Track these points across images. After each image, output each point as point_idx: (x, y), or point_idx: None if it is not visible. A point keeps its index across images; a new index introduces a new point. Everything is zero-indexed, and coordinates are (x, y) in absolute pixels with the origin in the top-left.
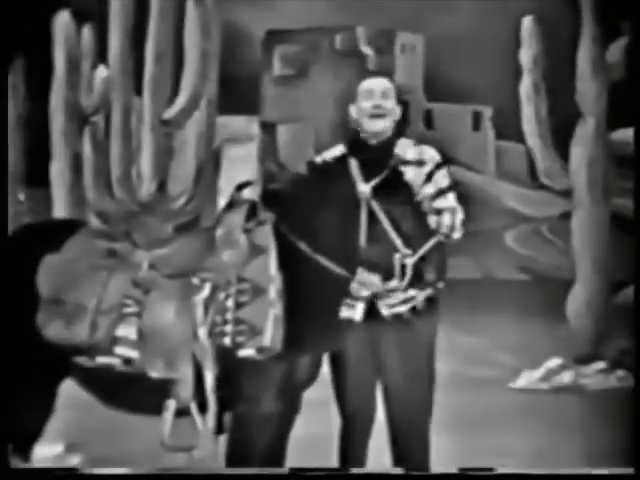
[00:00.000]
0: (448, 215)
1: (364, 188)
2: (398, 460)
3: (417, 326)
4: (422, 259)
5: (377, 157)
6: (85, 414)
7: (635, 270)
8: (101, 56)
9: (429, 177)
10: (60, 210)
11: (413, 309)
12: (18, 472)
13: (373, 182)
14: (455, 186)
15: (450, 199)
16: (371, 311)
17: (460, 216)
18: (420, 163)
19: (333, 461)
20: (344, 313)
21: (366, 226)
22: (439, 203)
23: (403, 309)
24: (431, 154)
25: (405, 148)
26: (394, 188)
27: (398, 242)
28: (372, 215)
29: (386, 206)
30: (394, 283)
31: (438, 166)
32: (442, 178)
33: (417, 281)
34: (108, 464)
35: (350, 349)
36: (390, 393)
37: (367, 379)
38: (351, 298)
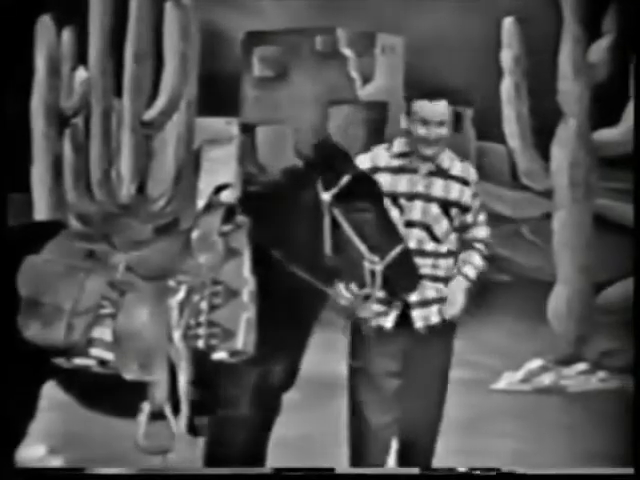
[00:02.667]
0: (476, 255)
1: (325, 196)
2: (403, 461)
3: (442, 336)
4: (391, 267)
5: (341, 164)
6: (68, 416)
7: (635, 270)
8: (81, 58)
9: (471, 205)
10: (41, 212)
11: (443, 321)
12: (20, 472)
13: (333, 190)
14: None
15: (484, 230)
16: (402, 320)
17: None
18: (465, 182)
19: (316, 462)
20: (374, 321)
21: (330, 234)
22: (472, 232)
23: (436, 321)
24: (473, 174)
25: (452, 162)
26: (357, 194)
27: (363, 249)
28: (337, 223)
29: (348, 213)
30: (366, 291)
31: (475, 191)
32: (478, 204)
33: (388, 288)
34: (91, 465)
35: (379, 359)
36: (407, 399)
37: (392, 388)
38: (384, 306)
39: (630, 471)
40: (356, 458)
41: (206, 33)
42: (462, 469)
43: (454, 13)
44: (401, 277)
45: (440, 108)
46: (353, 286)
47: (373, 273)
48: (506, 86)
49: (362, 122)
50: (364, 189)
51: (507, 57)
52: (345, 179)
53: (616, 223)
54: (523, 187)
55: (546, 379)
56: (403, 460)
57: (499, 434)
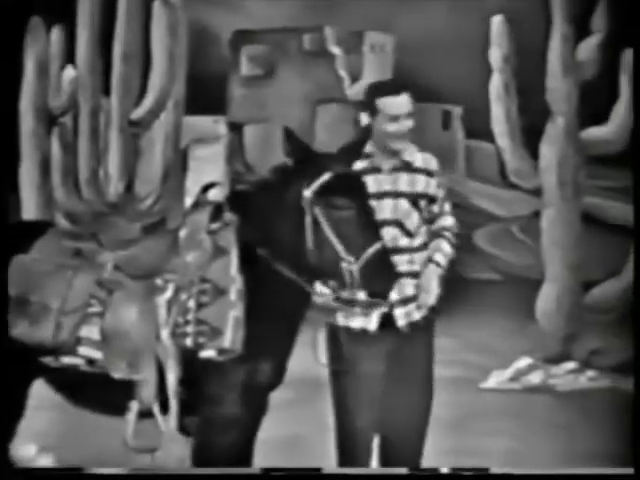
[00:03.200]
0: (444, 243)
1: (306, 193)
2: (391, 461)
3: (422, 332)
4: (366, 266)
5: (324, 163)
6: (58, 414)
7: (635, 270)
8: (69, 57)
9: (436, 195)
10: (29, 212)
11: (425, 318)
12: (20, 472)
13: (313, 186)
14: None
15: (450, 219)
16: (385, 320)
17: (448, 248)
18: (429, 173)
19: (304, 461)
20: (357, 323)
21: (312, 232)
22: (439, 222)
23: (418, 317)
24: (435, 164)
25: (413, 155)
26: (337, 192)
27: (339, 248)
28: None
29: (327, 211)
30: (346, 294)
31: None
32: (443, 193)
33: (367, 289)
34: (82, 464)
35: (362, 360)
36: (391, 399)
37: (375, 389)
38: (364, 307)
39: (630, 471)
40: (344, 459)
41: (194, 32)
42: (445, 469)
43: (444, 11)
44: (377, 277)
45: (404, 101)
46: (332, 284)
47: (351, 273)
48: (495, 84)
49: (350, 121)
50: (345, 186)
51: (496, 55)
52: (326, 176)
53: (605, 221)
54: (512, 185)
55: (535, 378)
56: (392, 461)
57: (488, 433)
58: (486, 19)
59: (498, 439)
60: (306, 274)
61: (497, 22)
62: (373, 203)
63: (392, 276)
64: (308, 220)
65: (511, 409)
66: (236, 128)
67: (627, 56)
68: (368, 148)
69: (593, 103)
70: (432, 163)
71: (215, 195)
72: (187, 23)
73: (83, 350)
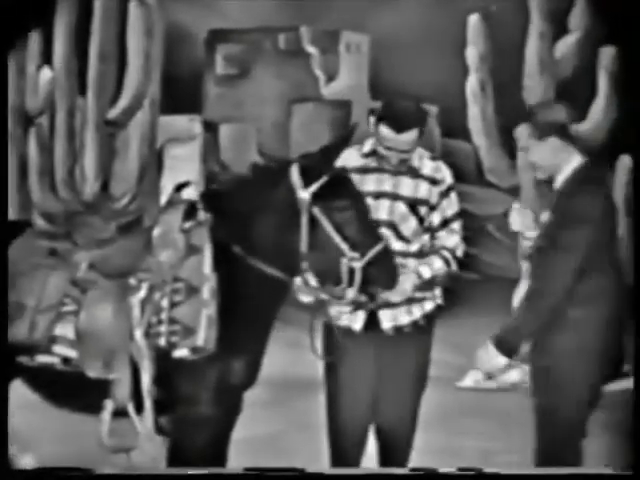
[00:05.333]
0: (437, 259)
1: (303, 194)
2: (384, 461)
3: (415, 339)
4: (370, 264)
5: (319, 163)
6: (35, 414)
7: (634, 270)
8: (46, 57)
9: (437, 203)
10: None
11: (414, 323)
12: (18, 472)
13: (312, 188)
14: (461, 214)
15: (454, 239)
16: (371, 321)
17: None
18: (434, 182)
19: (278, 461)
20: (343, 322)
21: (307, 232)
22: (441, 240)
23: (404, 322)
24: (445, 174)
25: (422, 161)
26: (336, 193)
27: (344, 246)
28: (314, 221)
29: (327, 211)
30: (342, 288)
31: (448, 190)
32: (450, 205)
33: (366, 287)
34: (63, 464)
35: (350, 358)
36: (382, 401)
37: (365, 390)
38: (351, 307)
39: (629, 471)
40: (336, 457)
41: (170, 32)
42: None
43: (420, 10)
44: (380, 275)
45: (406, 139)
46: (313, 282)
47: (352, 271)
48: (471, 83)
49: (326, 120)
50: (343, 188)
51: (472, 54)
52: (324, 178)
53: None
54: (488, 184)
55: (511, 376)
56: (381, 459)
57: (464, 432)
58: (463, 18)
59: (474, 438)
60: (286, 271)
61: (474, 21)
62: (370, 202)
63: (394, 276)
64: (304, 220)
65: (488, 408)
66: (211, 127)
67: (605, 53)
68: (372, 147)
69: (571, 101)
70: (440, 174)
71: (188, 194)
72: (163, 23)
73: (58, 349)
